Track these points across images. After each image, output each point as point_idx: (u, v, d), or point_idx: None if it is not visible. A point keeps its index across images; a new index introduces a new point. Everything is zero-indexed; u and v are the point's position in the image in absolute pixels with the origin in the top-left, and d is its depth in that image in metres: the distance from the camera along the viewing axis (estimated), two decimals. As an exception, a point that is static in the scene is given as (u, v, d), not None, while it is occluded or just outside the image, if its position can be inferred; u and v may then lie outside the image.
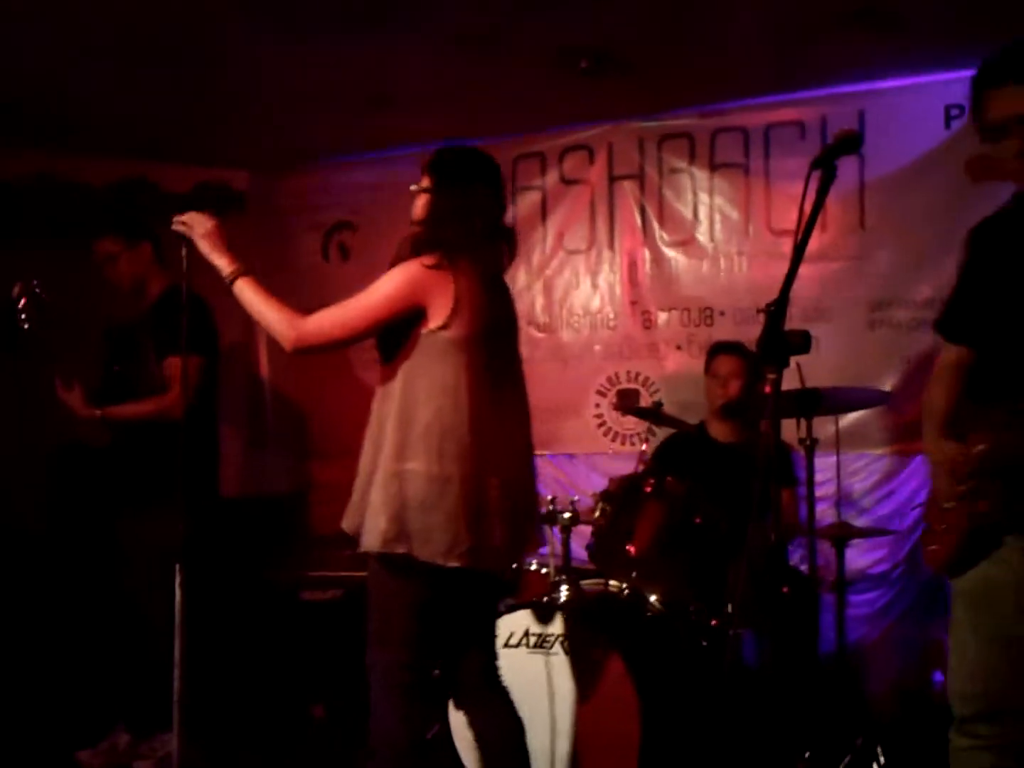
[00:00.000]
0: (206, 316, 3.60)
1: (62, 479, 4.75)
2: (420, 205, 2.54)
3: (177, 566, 2.66)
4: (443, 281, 2.38)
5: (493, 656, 2.65)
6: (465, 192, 2.47)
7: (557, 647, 3.15)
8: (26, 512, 4.70)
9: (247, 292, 2.47)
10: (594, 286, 4.82)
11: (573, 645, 3.14)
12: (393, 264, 2.44)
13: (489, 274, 2.50)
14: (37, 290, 3.30)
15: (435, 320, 2.38)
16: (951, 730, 2.18)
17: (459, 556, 2.32)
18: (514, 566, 3.43)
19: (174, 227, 2.60)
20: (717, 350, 4.01)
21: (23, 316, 3.30)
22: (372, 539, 2.35)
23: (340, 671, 4.22)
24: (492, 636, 2.66)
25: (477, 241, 2.45)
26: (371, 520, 2.35)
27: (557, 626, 3.16)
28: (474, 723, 2.65)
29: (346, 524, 2.47)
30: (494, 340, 2.47)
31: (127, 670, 3.57)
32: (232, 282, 2.48)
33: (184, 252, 2.60)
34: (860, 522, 4.09)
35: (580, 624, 3.15)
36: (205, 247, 2.54)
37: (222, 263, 2.51)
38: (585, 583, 3.48)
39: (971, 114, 2.08)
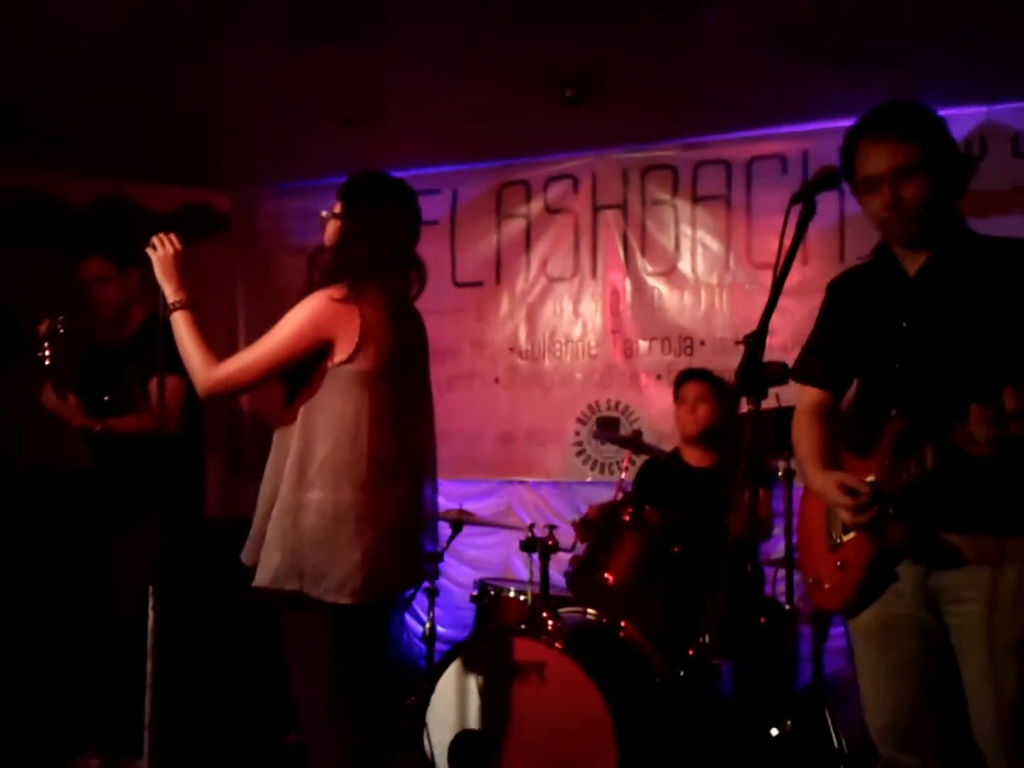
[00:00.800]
0: None
1: (35, 498, 4.71)
2: (330, 231, 2.54)
3: (151, 588, 2.64)
4: (349, 314, 2.37)
5: (381, 690, 2.63)
6: (373, 217, 2.47)
7: (534, 676, 3.14)
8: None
9: (180, 326, 2.49)
10: (576, 314, 4.85)
11: (550, 673, 3.13)
12: (303, 292, 2.43)
13: (396, 303, 2.48)
14: (61, 329, 3.32)
15: (340, 354, 2.37)
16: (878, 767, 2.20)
17: (351, 594, 2.32)
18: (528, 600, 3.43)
19: (147, 249, 2.60)
20: (684, 377, 4.06)
21: (46, 353, 3.31)
22: (264, 575, 2.36)
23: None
24: (385, 669, 2.65)
25: (384, 267, 2.44)
26: (266, 556, 2.36)
27: (533, 654, 3.14)
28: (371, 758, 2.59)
29: (244, 557, 2.47)
30: (399, 372, 2.46)
31: (99, 691, 3.53)
32: (172, 311, 2.51)
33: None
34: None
35: (557, 652, 3.13)
36: (158, 270, 2.56)
37: (168, 290, 2.54)
38: (563, 611, 3.47)
39: (843, 170, 2.14)
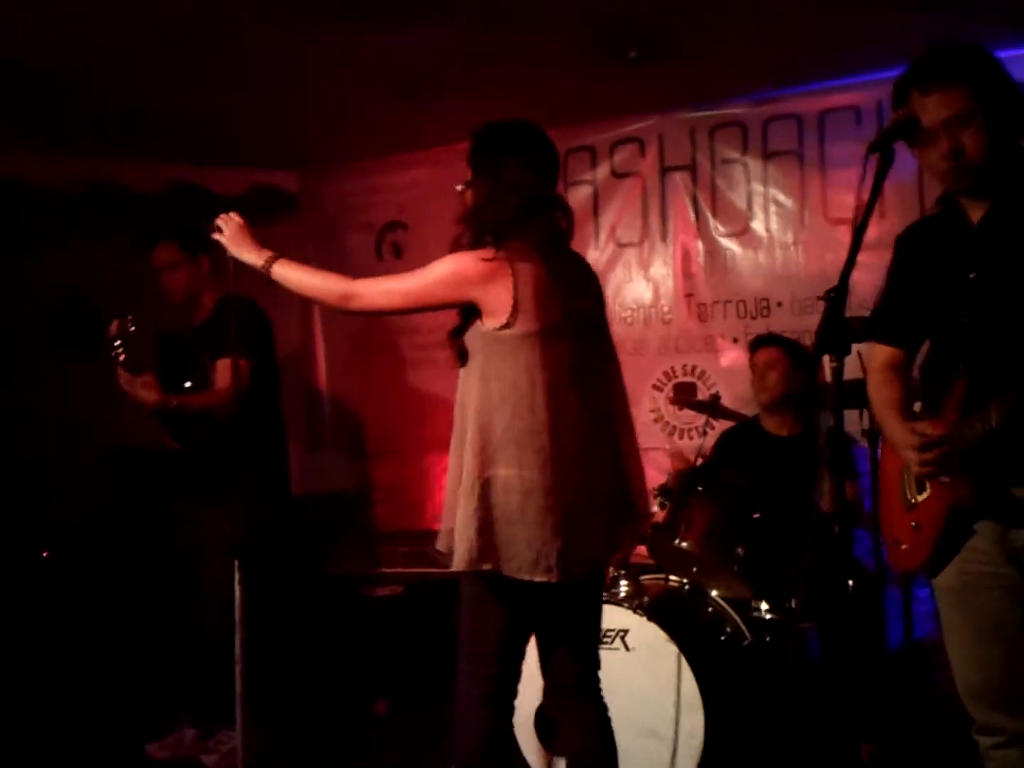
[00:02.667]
0: (257, 321, 3.63)
1: (118, 483, 4.85)
2: (467, 201, 2.47)
3: (236, 563, 2.69)
4: (499, 275, 2.28)
5: (593, 666, 2.53)
6: (496, 172, 2.38)
7: (618, 643, 3.13)
8: (84, 512, 4.80)
9: (288, 272, 2.45)
10: (647, 279, 4.78)
11: (634, 641, 3.12)
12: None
13: (555, 255, 2.37)
14: (131, 327, 3.37)
15: (495, 318, 2.29)
16: (972, 731, 2.15)
17: (545, 570, 2.24)
18: (611, 569, 3.33)
19: (213, 234, 2.60)
20: (757, 343, 3.96)
21: (120, 353, 3.37)
22: (460, 558, 2.29)
23: (403, 667, 4.26)
24: (593, 644, 2.55)
25: (519, 219, 2.33)
26: (459, 538, 2.29)
27: (618, 622, 3.14)
28: (564, 735, 2.57)
29: (440, 544, 2.41)
30: (570, 331, 2.35)
31: (191, 665, 3.63)
32: (269, 270, 2.47)
33: (230, 258, 2.61)
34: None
35: (641, 619, 3.12)
36: (233, 247, 2.54)
37: (252, 257, 2.50)
38: (645, 578, 3.46)
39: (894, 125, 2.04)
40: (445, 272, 2.33)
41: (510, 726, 2.50)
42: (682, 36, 3.85)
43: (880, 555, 3.24)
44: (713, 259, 4.64)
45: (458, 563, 2.29)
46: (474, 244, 2.35)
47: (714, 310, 4.63)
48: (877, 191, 1.91)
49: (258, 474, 3.44)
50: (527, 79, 4.20)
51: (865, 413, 3.34)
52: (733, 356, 4.57)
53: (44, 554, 4.60)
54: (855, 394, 3.29)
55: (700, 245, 4.66)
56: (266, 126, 4.64)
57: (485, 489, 2.27)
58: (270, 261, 2.47)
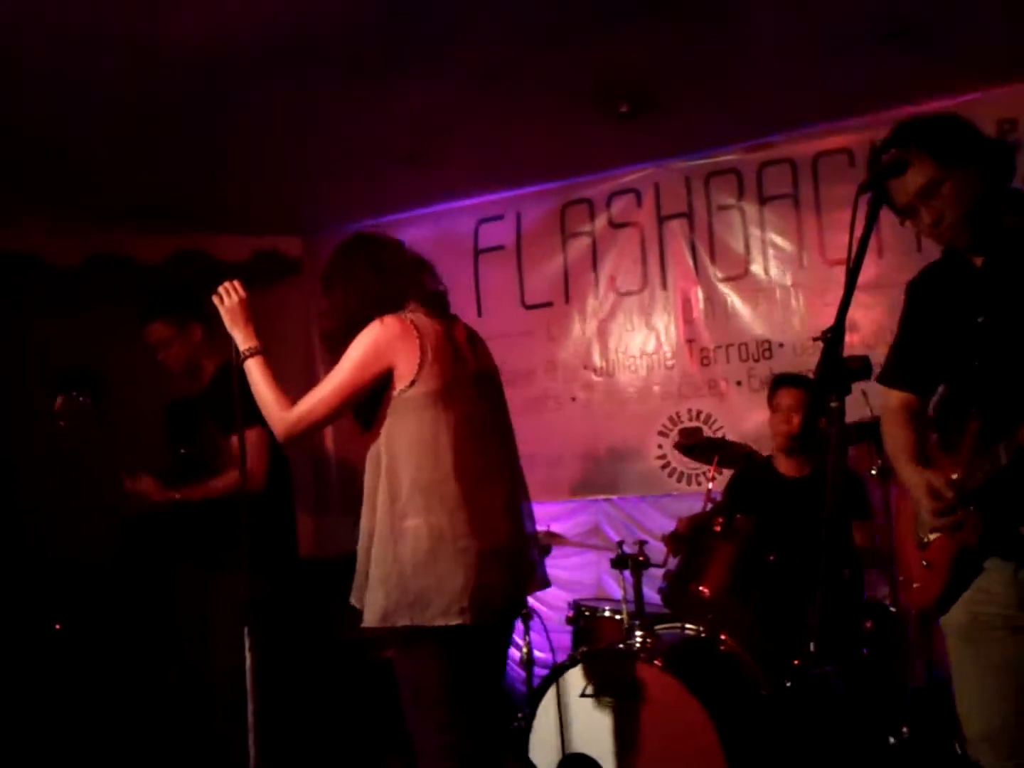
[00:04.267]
0: None
1: (133, 545, 4.83)
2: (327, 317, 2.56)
3: (246, 630, 2.67)
4: (408, 335, 2.40)
5: (497, 710, 2.61)
6: (343, 276, 2.52)
7: (636, 695, 3.09)
8: (95, 578, 4.78)
9: (254, 372, 2.55)
10: (649, 327, 4.80)
11: (652, 693, 3.08)
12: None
13: (444, 316, 2.53)
14: (81, 399, 3.42)
15: (403, 380, 2.39)
16: None
17: (459, 613, 2.31)
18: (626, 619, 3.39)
19: (214, 299, 2.66)
20: (779, 383, 3.94)
21: (63, 424, 3.42)
22: (372, 615, 2.37)
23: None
24: (499, 686, 2.63)
25: (388, 293, 2.47)
26: (371, 595, 2.37)
27: (635, 673, 3.09)
28: None
29: (353, 599, 2.48)
30: (468, 387, 2.47)
31: (203, 732, 3.58)
32: (244, 359, 2.57)
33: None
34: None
35: (658, 670, 3.08)
36: (227, 320, 2.63)
37: (239, 338, 2.60)
38: (660, 628, 3.42)
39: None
40: (365, 349, 2.40)
41: None
42: (672, 89, 3.92)
43: (896, 594, 3.22)
44: (713, 304, 4.67)
45: (370, 620, 2.37)
46: (349, 336, 2.43)
47: (716, 354, 4.65)
48: (870, 230, 1.93)
49: (267, 538, 3.42)
50: (524, 136, 4.28)
51: (873, 450, 3.35)
52: (738, 399, 4.57)
53: (56, 627, 4.57)
54: (862, 432, 3.31)
55: (700, 291, 4.70)
56: (268, 193, 4.72)
57: (398, 543, 2.35)
58: (250, 352, 2.58)
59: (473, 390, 2.50)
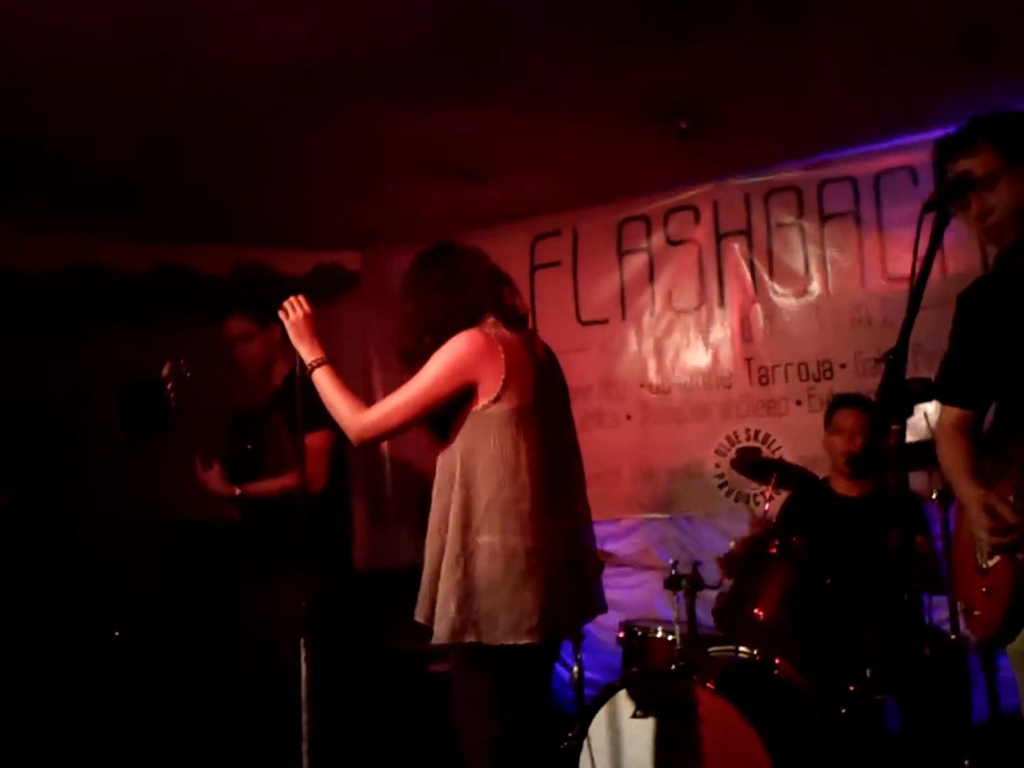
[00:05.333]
0: None
1: (185, 554, 4.91)
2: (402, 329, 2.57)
3: (302, 639, 2.69)
4: (492, 351, 2.39)
5: (546, 728, 2.61)
6: (416, 284, 2.55)
7: (688, 717, 3.05)
8: (155, 588, 4.86)
9: (323, 382, 2.57)
10: (706, 345, 4.77)
11: (704, 715, 3.04)
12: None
13: (524, 332, 2.51)
14: (184, 369, 3.48)
15: (486, 396, 2.38)
16: None
17: (528, 632, 2.30)
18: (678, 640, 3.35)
19: (280, 314, 2.71)
20: (838, 403, 3.88)
21: (172, 394, 3.48)
22: (441, 632, 2.35)
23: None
24: (547, 703, 2.63)
25: (468, 304, 2.46)
26: (441, 612, 2.36)
27: (687, 696, 3.06)
28: None
29: (418, 614, 2.48)
30: (547, 405, 2.46)
31: (254, 744, 3.60)
32: (312, 370, 2.59)
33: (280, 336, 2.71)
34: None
35: (711, 693, 3.04)
36: (293, 335, 2.66)
37: (305, 351, 2.63)
38: (713, 650, 3.38)
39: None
40: (446, 362, 2.39)
41: None
42: (732, 105, 3.90)
43: (956, 621, 3.14)
44: (772, 322, 4.62)
45: (439, 636, 2.35)
46: (419, 349, 2.45)
47: (775, 373, 4.60)
48: (934, 250, 1.90)
49: (326, 546, 3.46)
50: (582, 153, 4.29)
51: (935, 475, 3.28)
52: (797, 419, 4.51)
53: (116, 634, 4.65)
54: (923, 455, 3.24)
55: (759, 308, 4.65)
56: (330, 209, 4.79)
57: (470, 560, 2.34)
58: (317, 363, 2.60)
59: (552, 407, 2.50)
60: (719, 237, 4.75)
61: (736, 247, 4.71)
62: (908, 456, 3.25)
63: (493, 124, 3.92)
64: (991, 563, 2.11)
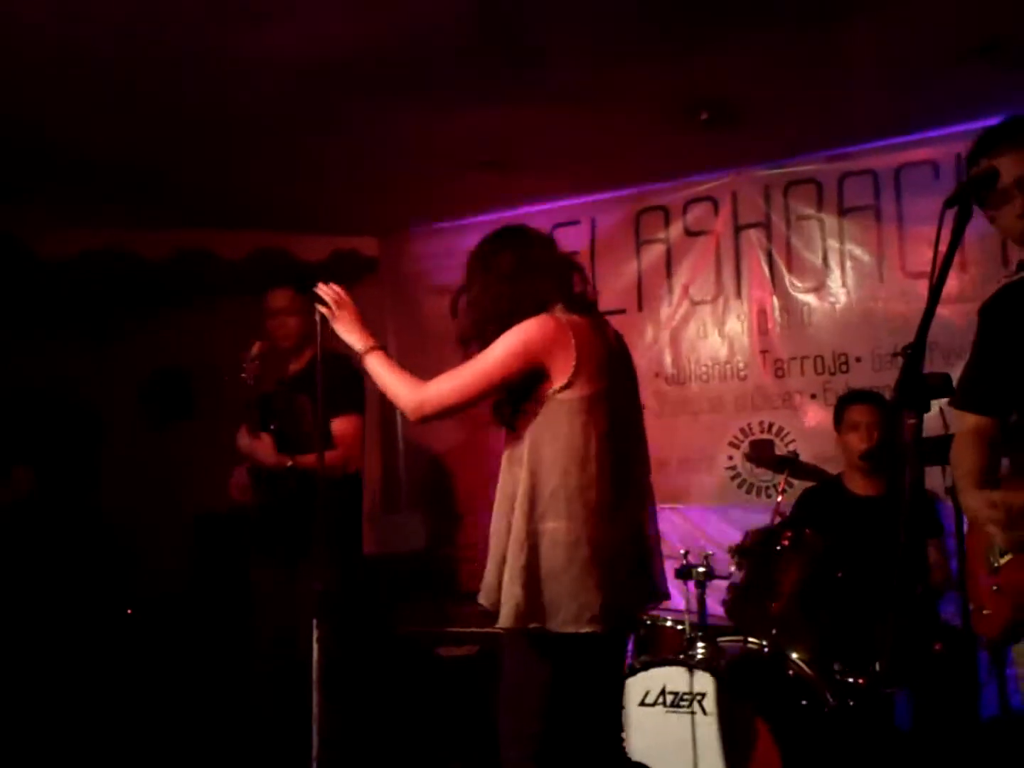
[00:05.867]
0: (360, 378, 3.72)
1: (207, 543, 4.95)
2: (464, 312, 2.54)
3: (315, 623, 2.71)
4: (562, 337, 2.33)
5: (619, 722, 2.56)
6: (486, 268, 2.48)
7: (696, 707, 3.07)
8: (173, 573, 4.90)
9: (379, 365, 2.53)
10: (722, 336, 4.76)
11: (712, 705, 3.06)
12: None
13: (594, 318, 2.46)
14: (266, 352, 3.56)
15: (556, 381, 2.34)
16: None
17: (589, 621, 2.28)
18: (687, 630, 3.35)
19: (319, 308, 2.69)
20: (850, 399, 3.87)
21: (250, 373, 3.53)
22: (506, 615, 2.32)
23: (477, 727, 4.22)
24: (620, 697, 2.59)
25: (536, 290, 2.40)
26: (506, 596, 2.32)
27: (695, 685, 3.08)
28: None
29: (482, 599, 2.46)
30: (616, 393, 2.42)
31: (267, 724, 3.63)
32: (364, 357, 2.56)
33: (318, 317, 2.70)
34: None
35: (720, 684, 3.06)
36: (340, 325, 2.63)
37: (355, 339, 2.60)
38: (722, 640, 3.39)
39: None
40: (514, 344, 2.34)
41: None
42: (754, 97, 3.88)
43: (968, 619, 3.13)
44: (789, 315, 4.61)
45: (505, 620, 2.32)
46: (480, 335, 2.41)
47: (791, 366, 4.59)
48: (955, 246, 1.88)
49: (340, 532, 3.48)
50: (602, 143, 4.28)
51: (948, 471, 3.26)
52: (812, 413, 4.50)
53: (128, 612, 4.70)
54: (937, 451, 3.23)
55: (776, 301, 4.64)
56: (349, 194, 4.79)
57: (534, 544, 2.31)
58: (370, 349, 2.56)
59: (622, 395, 2.46)
60: (737, 229, 4.74)
61: (754, 239, 4.69)
62: (923, 452, 3.25)
63: (517, 119, 3.94)
64: (1003, 561, 2.11)
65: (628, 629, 2.58)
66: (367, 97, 3.68)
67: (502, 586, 2.34)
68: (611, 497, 2.36)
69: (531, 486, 2.34)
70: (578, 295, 2.49)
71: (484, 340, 2.40)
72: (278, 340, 3.78)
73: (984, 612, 2.19)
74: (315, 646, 2.71)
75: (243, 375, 3.55)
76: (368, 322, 4.11)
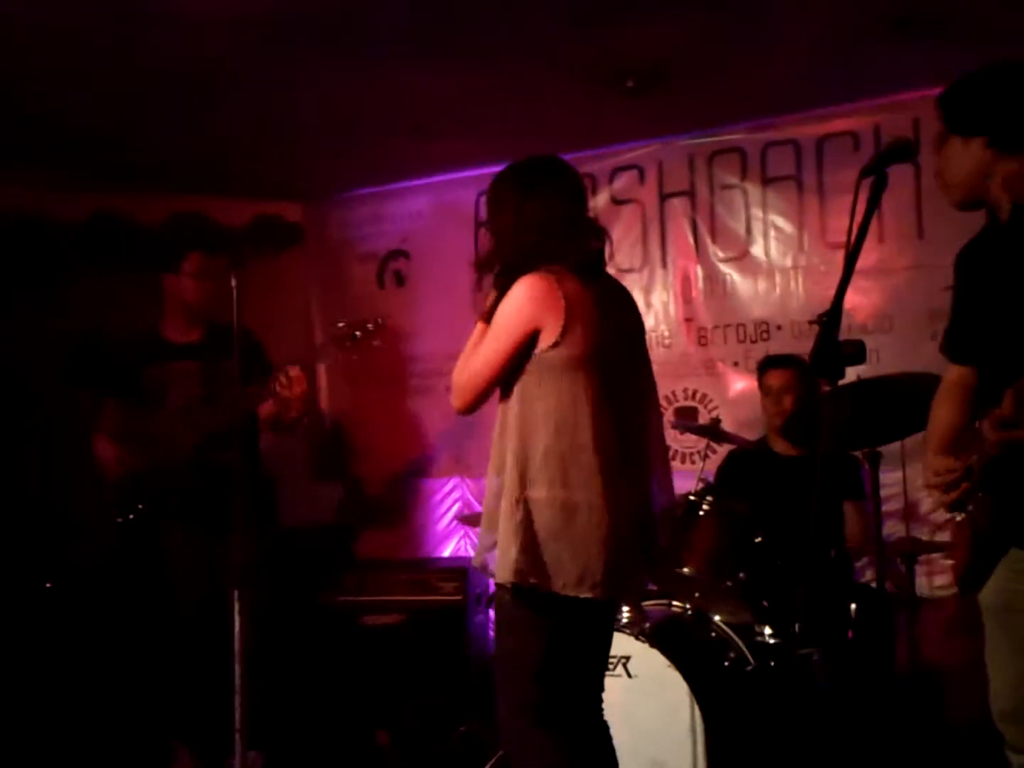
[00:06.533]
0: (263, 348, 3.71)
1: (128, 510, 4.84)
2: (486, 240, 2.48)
3: (235, 593, 2.69)
4: (552, 296, 2.26)
5: (601, 688, 2.49)
6: (516, 208, 2.37)
7: (620, 669, 3.12)
8: (95, 547, 4.79)
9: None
10: (648, 304, 4.78)
11: (636, 668, 3.11)
12: (493, 306, 2.35)
13: (594, 279, 2.37)
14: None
15: (545, 340, 2.27)
16: (1004, 748, 2.12)
17: (591, 587, 2.22)
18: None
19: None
20: (767, 364, 3.95)
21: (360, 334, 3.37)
22: (504, 571, 2.24)
23: (404, 696, 4.23)
24: (604, 666, 2.51)
25: (547, 248, 2.32)
26: (501, 551, 2.26)
27: (620, 648, 3.12)
28: (573, 758, 2.37)
29: (476, 561, 2.41)
30: (612, 353, 2.33)
31: (189, 696, 3.59)
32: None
33: (234, 283, 2.64)
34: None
35: (643, 645, 3.11)
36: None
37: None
38: (647, 604, 3.44)
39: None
40: (511, 315, 2.29)
41: (565, 744, 2.33)
42: (679, 65, 3.89)
43: (883, 577, 3.23)
44: (713, 284, 4.66)
45: (502, 574, 2.25)
46: (500, 276, 2.35)
47: (714, 335, 4.65)
48: (870, 214, 1.92)
49: (262, 502, 3.45)
50: (527, 109, 4.25)
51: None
52: (734, 380, 4.58)
53: (47, 585, 4.59)
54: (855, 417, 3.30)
55: (700, 270, 4.69)
56: (270, 158, 4.70)
57: (527, 509, 2.25)
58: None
59: (618, 355, 2.35)
60: (663, 197, 4.77)
61: (680, 208, 4.72)
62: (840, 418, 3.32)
63: (442, 83, 3.88)
64: (959, 518, 2.13)
65: (629, 597, 2.54)
66: (287, 56, 3.60)
67: (498, 545, 2.27)
68: (611, 462, 2.27)
69: (521, 447, 2.28)
70: (589, 259, 2.40)
71: (495, 275, 2.36)
72: (195, 304, 3.70)
73: (950, 564, 2.26)
74: (236, 617, 2.68)
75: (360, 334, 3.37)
76: (292, 288, 4.05)
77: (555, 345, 2.26)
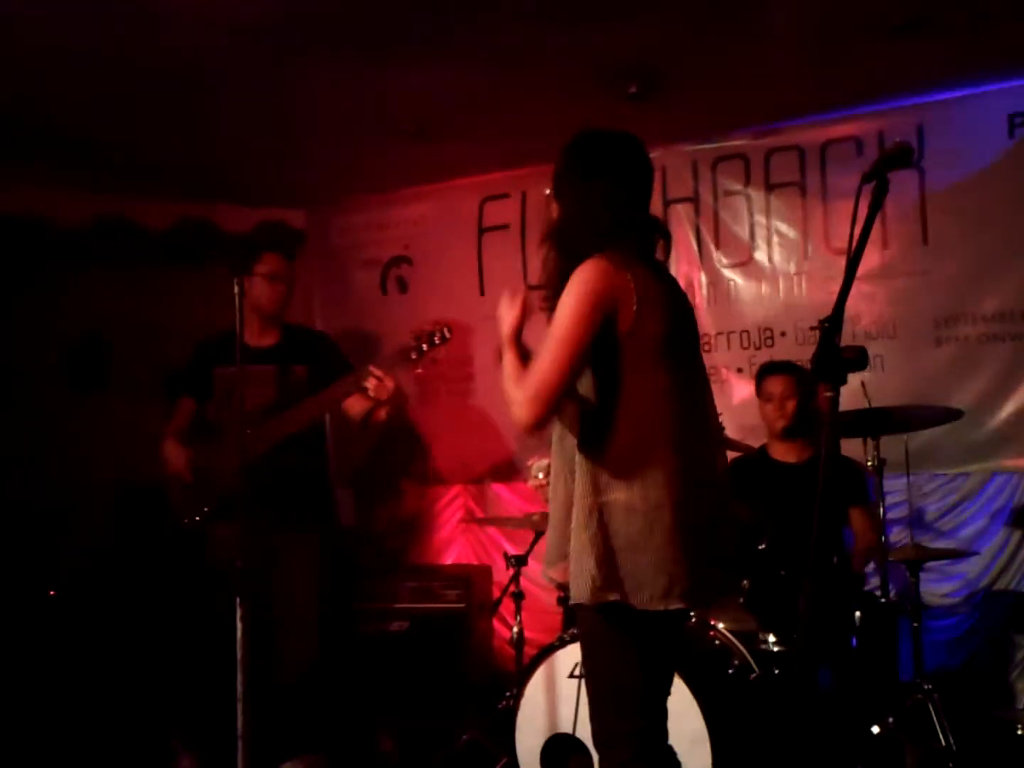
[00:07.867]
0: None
1: (127, 512, 4.83)
2: (551, 212, 2.31)
3: (237, 599, 2.68)
4: (620, 281, 2.07)
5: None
6: (587, 187, 2.22)
7: (623, 677, 3.10)
8: (95, 548, 4.79)
9: (508, 362, 2.26)
10: (652, 311, 4.78)
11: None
12: (552, 280, 2.19)
13: (656, 269, 2.20)
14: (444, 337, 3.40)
15: (621, 324, 2.07)
16: None
17: (679, 597, 2.03)
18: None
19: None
20: (766, 371, 3.95)
21: (426, 347, 3.38)
22: (581, 590, 2.06)
23: (409, 703, 4.22)
24: (671, 684, 2.31)
25: (613, 235, 2.15)
26: (576, 568, 2.07)
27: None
28: None
29: (548, 574, 2.21)
30: (679, 347, 2.16)
31: (193, 699, 3.59)
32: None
33: (236, 291, 2.64)
34: (938, 545, 3.96)
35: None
36: (505, 340, 2.32)
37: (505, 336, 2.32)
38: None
39: None
40: (579, 308, 2.07)
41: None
42: (682, 71, 3.88)
43: (887, 585, 3.22)
44: (716, 290, 4.65)
45: (579, 595, 2.07)
46: (562, 260, 2.18)
47: (718, 341, 4.64)
48: (871, 220, 1.91)
49: (328, 503, 3.47)
50: (530, 116, 4.25)
51: (870, 443, 3.34)
52: (738, 387, 4.56)
53: (51, 592, 4.58)
54: (860, 424, 3.30)
55: (703, 276, 4.68)
56: (274, 165, 4.69)
57: (603, 515, 2.05)
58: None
59: (685, 344, 2.20)
60: (666, 203, 4.75)
61: (683, 214, 4.71)
62: (847, 424, 3.31)
63: (444, 83, 3.87)
64: None
65: (711, 603, 2.39)
66: (287, 60, 3.60)
67: (571, 561, 2.08)
68: (686, 460, 2.09)
69: (593, 451, 2.08)
70: (647, 237, 2.24)
71: (566, 254, 2.18)
72: (265, 306, 3.70)
73: None
74: (239, 624, 2.67)
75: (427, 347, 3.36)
76: (295, 294, 4.05)
77: (629, 331, 2.07)
